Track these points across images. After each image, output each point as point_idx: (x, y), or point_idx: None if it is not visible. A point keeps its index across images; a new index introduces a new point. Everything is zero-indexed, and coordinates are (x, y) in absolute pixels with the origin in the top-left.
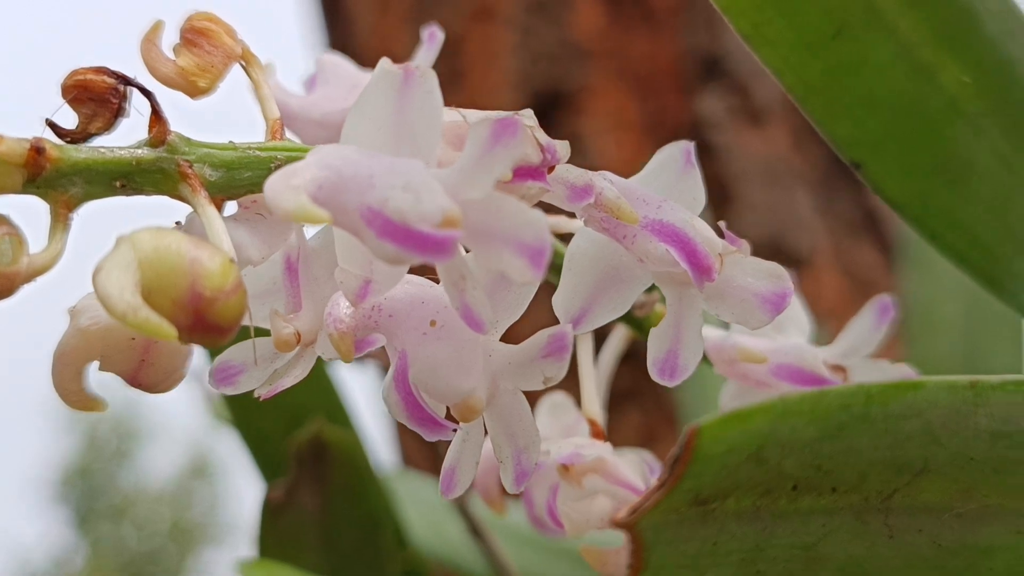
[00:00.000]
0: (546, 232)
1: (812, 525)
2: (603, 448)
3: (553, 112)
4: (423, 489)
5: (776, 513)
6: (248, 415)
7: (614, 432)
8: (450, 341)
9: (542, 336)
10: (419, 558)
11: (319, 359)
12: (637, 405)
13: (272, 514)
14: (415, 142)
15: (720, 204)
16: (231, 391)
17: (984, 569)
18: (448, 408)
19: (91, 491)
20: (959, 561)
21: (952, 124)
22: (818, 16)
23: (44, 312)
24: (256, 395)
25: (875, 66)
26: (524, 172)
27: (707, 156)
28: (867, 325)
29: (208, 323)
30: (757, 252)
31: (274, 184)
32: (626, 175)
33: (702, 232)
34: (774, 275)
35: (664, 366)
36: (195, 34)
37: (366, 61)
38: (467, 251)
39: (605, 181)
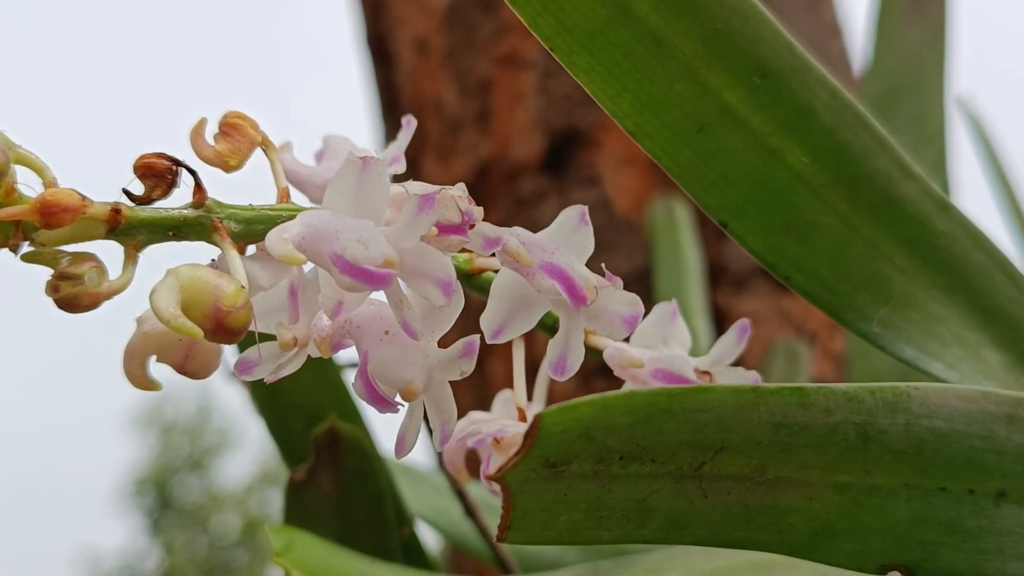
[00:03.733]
0: (453, 272)
1: (640, 485)
2: (523, 427)
3: (571, 146)
4: (434, 480)
5: (610, 475)
6: (276, 415)
7: None
8: (398, 345)
9: (460, 343)
10: (415, 535)
11: (336, 370)
12: (605, 378)
13: (295, 492)
14: (369, 208)
15: (719, 235)
16: (249, 379)
17: (785, 524)
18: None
19: (164, 499)
20: (764, 518)
21: (798, 193)
22: (683, 117)
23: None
24: (266, 381)
25: (732, 152)
26: (448, 229)
27: None
28: (730, 342)
29: (226, 328)
30: (751, 277)
31: (271, 236)
32: (637, 201)
33: (581, 272)
34: (632, 303)
35: (556, 366)
36: (228, 127)
37: (406, 96)
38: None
39: (511, 235)
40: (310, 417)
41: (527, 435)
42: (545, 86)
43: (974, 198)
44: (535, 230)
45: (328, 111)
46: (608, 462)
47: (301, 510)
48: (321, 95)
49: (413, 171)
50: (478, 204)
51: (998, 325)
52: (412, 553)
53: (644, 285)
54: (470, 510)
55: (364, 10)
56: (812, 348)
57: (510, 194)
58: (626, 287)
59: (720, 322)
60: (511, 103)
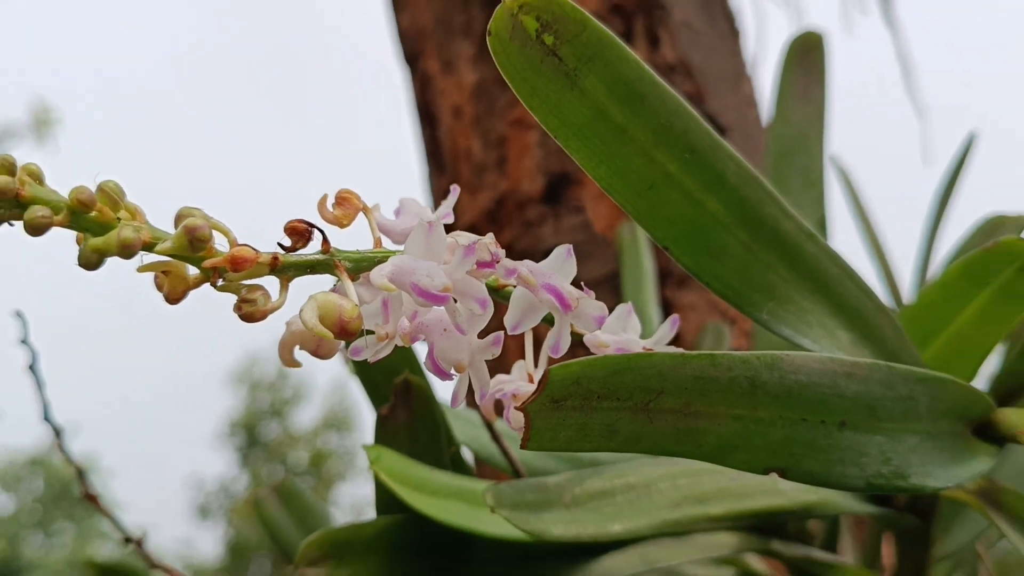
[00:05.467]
0: (487, 294)
1: (610, 414)
2: (532, 387)
3: (563, 184)
4: (471, 417)
5: (591, 408)
6: (366, 372)
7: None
8: (452, 338)
9: (490, 336)
10: (459, 453)
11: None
12: (584, 348)
13: (382, 422)
14: (433, 254)
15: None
16: (358, 359)
17: (703, 441)
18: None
19: (251, 438)
20: (689, 437)
21: (715, 229)
22: (639, 180)
23: (214, 322)
24: (369, 361)
25: (671, 202)
26: (483, 264)
27: None
28: (666, 329)
29: (347, 331)
30: (688, 278)
31: (373, 273)
32: (610, 224)
33: (568, 289)
34: (600, 308)
35: (553, 348)
36: (341, 199)
37: (446, 148)
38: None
39: (523, 267)
40: (388, 372)
41: (540, 382)
42: (545, 141)
43: (841, 225)
44: (538, 246)
45: (391, 159)
46: (590, 399)
47: (385, 435)
48: (386, 148)
49: None
50: (496, 227)
51: (847, 314)
52: (457, 465)
53: (614, 284)
54: (495, 437)
55: (415, 85)
56: (732, 328)
57: (519, 218)
58: (599, 286)
59: (667, 309)
60: (520, 153)
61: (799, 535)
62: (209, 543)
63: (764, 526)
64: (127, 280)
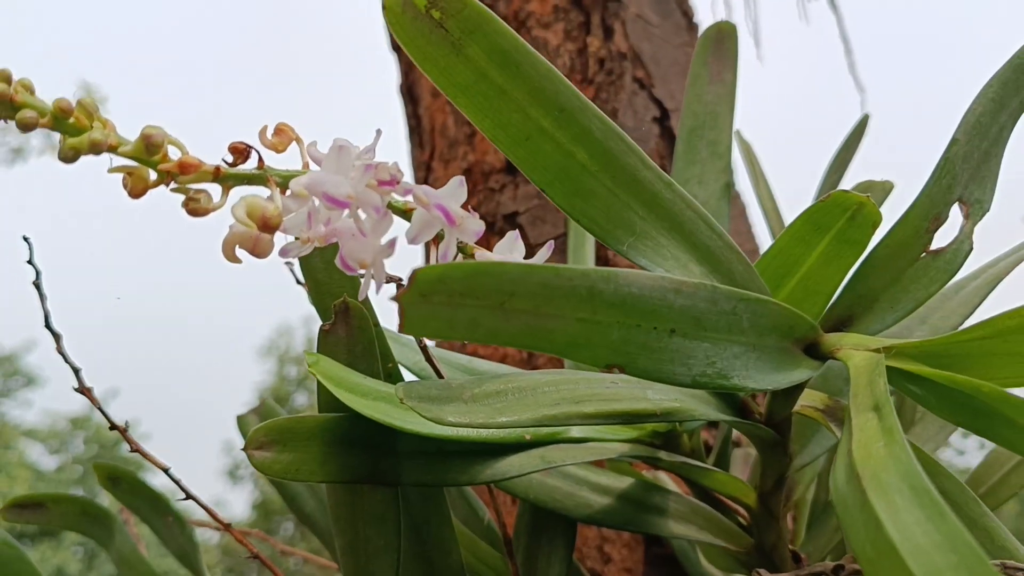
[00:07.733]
0: (380, 202)
1: (472, 311)
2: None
3: None
4: (411, 345)
5: (455, 304)
6: (320, 298)
7: None
8: (359, 241)
9: (387, 242)
10: (397, 371)
11: (352, 279)
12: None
13: (324, 336)
14: (342, 170)
15: None
16: (286, 258)
17: (552, 338)
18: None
19: (280, 406)
20: (540, 334)
21: (583, 176)
22: (517, 133)
23: (248, 300)
24: (292, 258)
25: (546, 152)
26: (384, 183)
27: None
28: (542, 253)
29: (269, 226)
30: None
31: (292, 183)
32: None
33: (455, 209)
34: (480, 224)
35: (442, 256)
36: (279, 130)
37: (425, 123)
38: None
39: (419, 190)
40: (335, 295)
41: (410, 279)
42: None
43: (743, 186)
44: (498, 210)
45: (380, 131)
46: (453, 296)
47: (326, 346)
48: (376, 122)
49: (428, 172)
50: (466, 194)
51: (699, 251)
52: (392, 379)
53: (563, 242)
54: (428, 359)
55: (401, 69)
56: None
57: (484, 186)
58: (551, 243)
59: (605, 265)
60: None
61: (694, 453)
62: (239, 505)
63: (658, 442)
64: (173, 271)
